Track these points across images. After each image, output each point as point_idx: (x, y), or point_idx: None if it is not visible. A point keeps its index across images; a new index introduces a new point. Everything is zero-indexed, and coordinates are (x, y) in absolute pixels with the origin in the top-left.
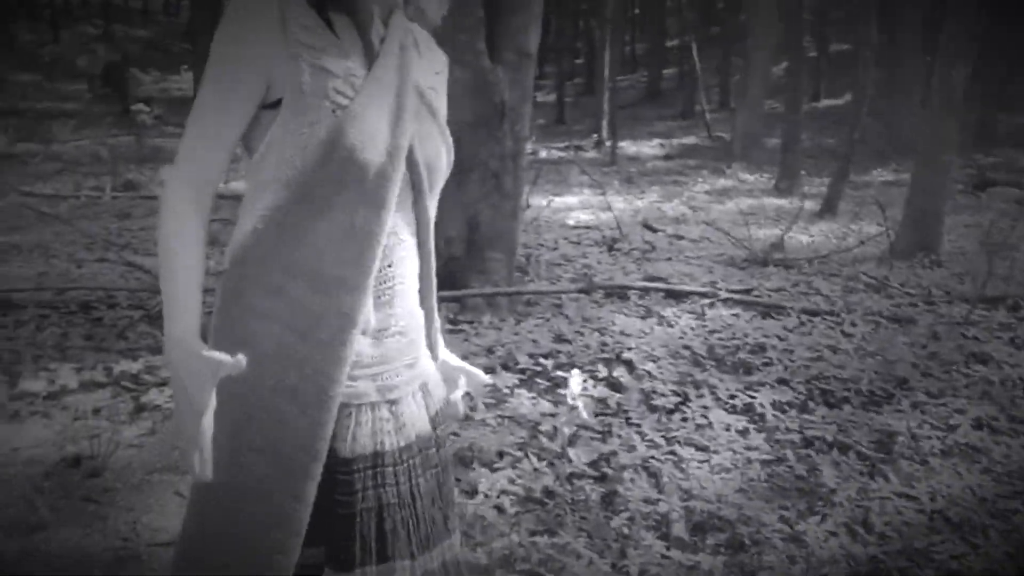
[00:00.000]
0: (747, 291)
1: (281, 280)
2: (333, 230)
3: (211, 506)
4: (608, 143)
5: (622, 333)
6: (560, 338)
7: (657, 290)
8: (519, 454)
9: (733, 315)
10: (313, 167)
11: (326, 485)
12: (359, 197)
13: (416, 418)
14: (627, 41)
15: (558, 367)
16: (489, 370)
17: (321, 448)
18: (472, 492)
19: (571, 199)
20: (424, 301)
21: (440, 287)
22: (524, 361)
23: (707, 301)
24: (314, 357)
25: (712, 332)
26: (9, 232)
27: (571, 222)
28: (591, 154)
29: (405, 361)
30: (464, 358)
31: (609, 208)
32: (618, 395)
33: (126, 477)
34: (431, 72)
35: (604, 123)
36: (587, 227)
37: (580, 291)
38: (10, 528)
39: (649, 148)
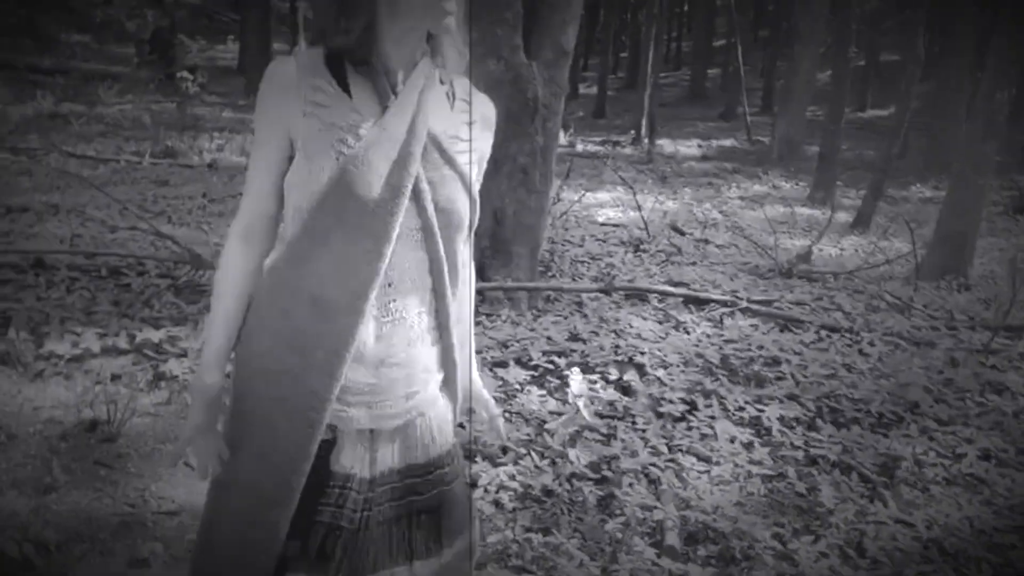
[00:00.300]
0: (768, 302)
1: (289, 303)
2: (333, 259)
3: (212, 500)
4: (646, 140)
5: (638, 336)
6: (576, 337)
7: (677, 296)
8: (522, 451)
9: (751, 326)
10: (318, 203)
11: (317, 492)
12: (359, 230)
13: (394, 453)
14: (673, 38)
15: (571, 366)
16: (502, 364)
17: (303, 461)
18: (472, 485)
19: (603, 195)
20: (444, 337)
21: None
22: (537, 358)
23: (727, 310)
24: (309, 376)
25: (728, 342)
26: (49, 191)
27: (600, 219)
28: (628, 150)
29: (401, 393)
30: (478, 352)
31: (639, 207)
32: (627, 399)
33: (139, 445)
34: (459, 121)
35: (644, 120)
36: (616, 225)
37: (600, 291)
38: (24, 486)
39: (687, 148)
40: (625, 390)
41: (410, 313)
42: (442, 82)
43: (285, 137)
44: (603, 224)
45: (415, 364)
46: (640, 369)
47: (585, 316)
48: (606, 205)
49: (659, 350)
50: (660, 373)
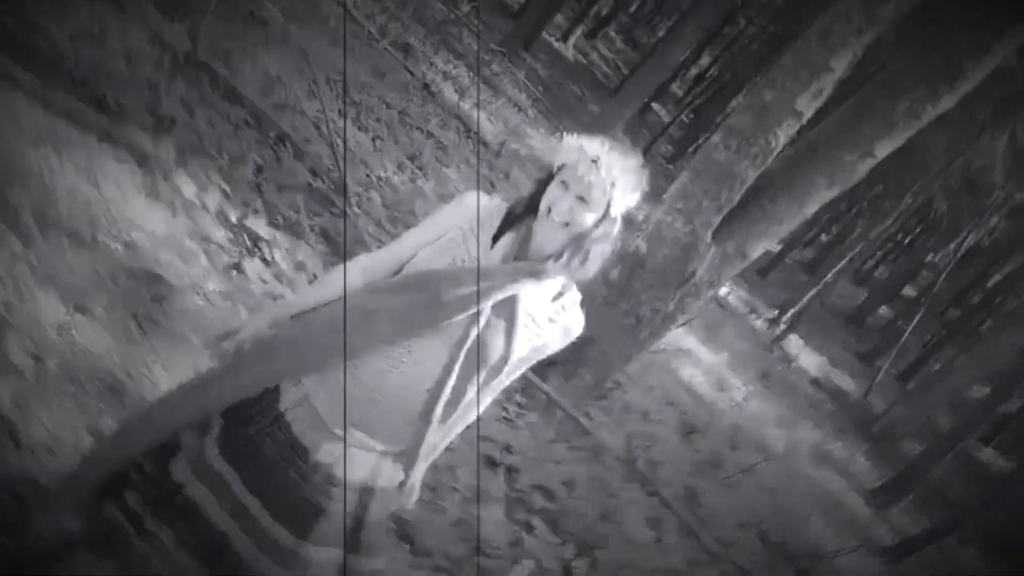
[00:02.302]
0: None
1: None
2: (391, 315)
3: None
4: (782, 328)
5: (602, 537)
6: (554, 498)
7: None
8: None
9: None
10: (415, 282)
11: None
12: (422, 318)
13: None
14: (873, 261)
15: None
16: (492, 464)
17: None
18: None
19: (707, 354)
20: (424, 417)
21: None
22: (523, 484)
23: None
24: (327, 356)
25: None
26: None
27: (685, 375)
28: (760, 324)
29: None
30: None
31: (720, 390)
32: None
33: (172, 322)
34: (544, 313)
35: (794, 310)
36: (688, 389)
37: (621, 461)
38: (67, 292)
39: (810, 360)
40: (566, 572)
41: (404, 380)
42: (560, 293)
43: (443, 234)
44: (681, 384)
45: (390, 416)
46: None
47: (589, 470)
48: (701, 365)
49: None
50: None
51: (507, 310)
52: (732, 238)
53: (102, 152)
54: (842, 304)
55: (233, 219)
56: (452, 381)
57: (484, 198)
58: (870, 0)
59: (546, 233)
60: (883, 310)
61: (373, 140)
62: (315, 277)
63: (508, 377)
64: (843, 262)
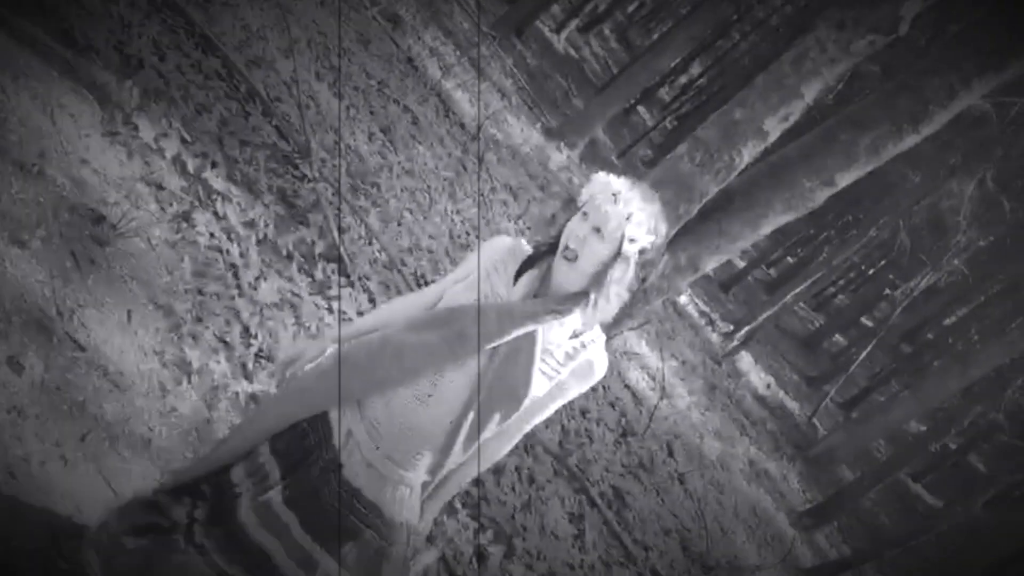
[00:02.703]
0: None
1: (379, 346)
2: (425, 347)
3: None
4: (735, 344)
5: (520, 528)
6: (480, 484)
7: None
8: None
9: None
10: (445, 318)
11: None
12: (448, 349)
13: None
14: (837, 286)
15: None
16: None
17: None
18: None
19: (654, 359)
20: (445, 450)
21: None
22: None
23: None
24: (361, 385)
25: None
26: None
27: (629, 377)
28: (715, 337)
29: (393, 450)
30: None
31: (663, 398)
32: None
33: (115, 265)
34: (563, 348)
35: (749, 328)
36: (633, 392)
37: (553, 455)
38: (20, 232)
39: (759, 378)
40: (480, 556)
41: (430, 412)
42: (576, 333)
43: (470, 273)
44: (626, 387)
45: (417, 440)
46: (482, 559)
47: (519, 461)
48: (649, 370)
49: (531, 550)
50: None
51: (525, 345)
52: (686, 250)
53: (62, 84)
54: (798, 327)
55: (190, 168)
56: (471, 415)
57: (507, 239)
58: (846, 33)
59: (561, 269)
60: (837, 337)
61: (347, 108)
62: (264, 237)
63: (532, 418)
64: (803, 286)
